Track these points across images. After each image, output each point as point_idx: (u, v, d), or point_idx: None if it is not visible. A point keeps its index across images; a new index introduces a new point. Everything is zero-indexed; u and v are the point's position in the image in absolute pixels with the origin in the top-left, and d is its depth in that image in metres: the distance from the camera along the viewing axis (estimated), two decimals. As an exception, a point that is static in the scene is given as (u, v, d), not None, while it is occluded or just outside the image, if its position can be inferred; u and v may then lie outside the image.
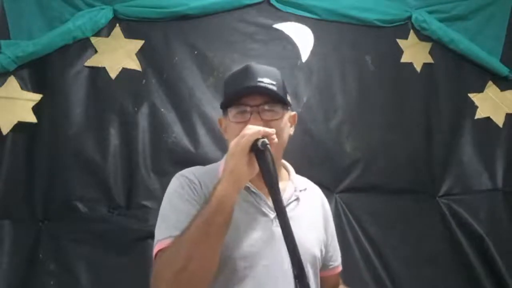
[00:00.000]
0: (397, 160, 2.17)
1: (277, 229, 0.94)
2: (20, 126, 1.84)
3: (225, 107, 1.04)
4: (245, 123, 0.95)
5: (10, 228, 1.79)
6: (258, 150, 0.83)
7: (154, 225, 1.84)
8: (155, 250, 0.95)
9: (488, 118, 2.31)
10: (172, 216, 0.97)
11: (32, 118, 1.85)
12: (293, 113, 1.12)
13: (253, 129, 0.85)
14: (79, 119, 1.91)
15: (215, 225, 0.82)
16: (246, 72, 1.01)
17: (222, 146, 2.00)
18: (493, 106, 2.31)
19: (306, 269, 0.97)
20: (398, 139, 2.19)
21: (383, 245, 2.06)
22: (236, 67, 2.02)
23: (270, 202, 1.00)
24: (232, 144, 0.86)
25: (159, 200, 1.89)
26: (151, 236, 1.82)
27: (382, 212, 2.10)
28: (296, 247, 0.80)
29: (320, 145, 2.10)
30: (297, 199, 1.08)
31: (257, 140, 0.83)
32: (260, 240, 0.97)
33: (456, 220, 2.16)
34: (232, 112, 1.00)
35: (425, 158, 2.22)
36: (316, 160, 2.07)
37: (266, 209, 1.02)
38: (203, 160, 1.97)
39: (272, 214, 1.01)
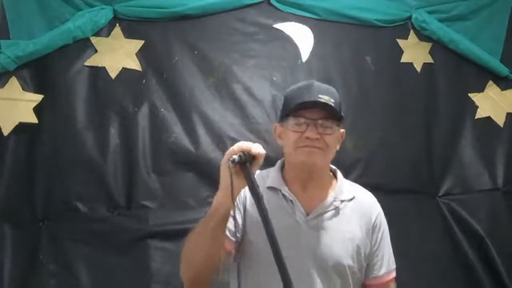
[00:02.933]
0: (397, 160, 2.17)
1: (308, 235, 1.08)
2: (21, 127, 1.84)
3: (285, 115, 1.11)
4: (301, 133, 1.06)
5: (10, 228, 1.79)
6: (240, 164, 0.92)
7: (154, 225, 1.88)
8: None
9: (489, 118, 2.31)
10: None
11: (33, 119, 1.85)
12: (342, 130, 1.18)
13: (233, 147, 0.94)
14: (79, 119, 1.92)
15: (210, 225, 0.99)
16: (309, 88, 1.10)
17: (222, 146, 2.00)
18: (493, 106, 2.31)
19: (331, 277, 1.08)
20: (398, 139, 2.19)
21: (383, 245, 2.05)
22: (236, 67, 2.08)
23: (304, 209, 1.10)
24: (222, 160, 0.96)
25: (159, 200, 1.93)
26: (151, 236, 1.86)
27: (383, 212, 2.10)
28: (281, 256, 0.86)
29: (320, 145, 2.10)
30: (335, 209, 1.12)
31: (231, 156, 0.92)
32: (286, 245, 0.98)
33: (456, 220, 2.16)
34: (290, 121, 1.08)
35: (425, 158, 2.22)
36: (316, 160, 2.07)
37: (299, 216, 1.10)
38: (203, 160, 1.97)
39: (305, 222, 1.09)
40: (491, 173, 2.26)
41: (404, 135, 2.20)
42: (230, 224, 1.05)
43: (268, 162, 1.22)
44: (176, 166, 1.96)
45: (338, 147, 1.15)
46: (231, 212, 1.03)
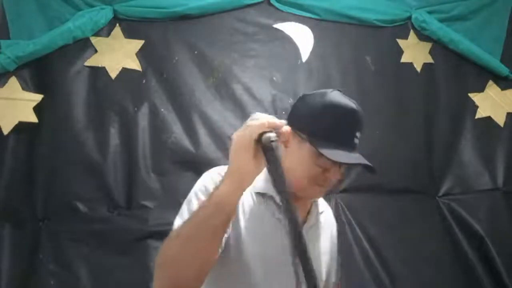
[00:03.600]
0: (397, 160, 2.17)
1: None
2: (21, 127, 1.84)
3: (310, 137, 0.94)
4: (323, 170, 0.94)
5: (10, 228, 1.79)
6: (265, 145, 0.71)
7: (154, 225, 1.88)
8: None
9: (489, 118, 2.31)
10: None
11: (33, 118, 1.85)
12: None
13: (258, 120, 0.75)
14: (80, 119, 1.92)
15: (210, 227, 0.77)
16: (352, 121, 0.97)
17: (222, 146, 2.00)
18: (493, 106, 2.31)
19: None
20: (398, 139, 2.19)
21: (383, 245, 2.06)
22: (236, 67, 2.08)
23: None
24: (235, 137, 0.76)
25: (159, 200, 1.93)
26: (151, 236, 1.86)
27: (382, 212, 2.10)
28: (312, 268, 0.76)
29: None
30: (317, 222, 1.07)
31: (263, 133, 0.72)
32: (282, 261, 0.92)
33: (456, 220, 2.16)
34: (320, 156, 0.93)
35: (425, 158, 2.22)
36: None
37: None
38: (203, 160, 1.97)
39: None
40: (491, 173, 2.26)
41: (404, 135, 2.20)
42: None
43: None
44: (176, 166, 1.96)
45: None
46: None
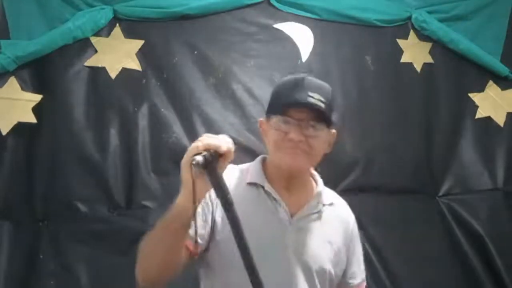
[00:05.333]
0: (397, 160, 2.17)
1: (293, 236, 1.02)
2: (20, 127, 1.84)
3: (270, 113, 1.04)
4: (285, 133, 0.99)
5: (10, 228, 1.79)
6: (205, 165, 0.81)
7: (154, 225, 1.87)
8: None
9: (489, 118, 2.31)
10: None
11: (32, 119, 1.85)
12: (333, 131, 1.07)
13: (196, 143, 0.85)
14: (79, 119, 1.91)
15: (173, 229, 0.90)
16: (300, 84, 1.01)
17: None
18: (493, 105, 2.32)
19: (314, 282, 1.03)
20: (398, 139, 2.19)
21: (383, 245, 2.06)
22: (236, 67, 2.08)
23: (288, 209, 1.04)
24: (184, 157, 0.87)
25: (159, 200, 1.93)
26: (151, 236, 1.86)
27: (382, 212, 2.10)
28: (251, 257, 0.81)
29: (320, 145, 2.10)
30: (319, 212, 1.08)
31: (195, 155, 0.83)
32: (270, 244, 1.00)
33: (456, 220, 2.16)
34: (274, 119, 1.01)
35: (425, 158, 2.23)
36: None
37: (283, 216, 1.04)
38: (203, 160, 1.97)
39: (289, 222, 1.03)
40: (491, 173, 2.27)
41: (404, 135, 2.20)
42: (202, 228, 0.98)
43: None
44: (176, 166, 1.92)
45: (328, 150, 1.07)
46: (202, 217, 0.99)
